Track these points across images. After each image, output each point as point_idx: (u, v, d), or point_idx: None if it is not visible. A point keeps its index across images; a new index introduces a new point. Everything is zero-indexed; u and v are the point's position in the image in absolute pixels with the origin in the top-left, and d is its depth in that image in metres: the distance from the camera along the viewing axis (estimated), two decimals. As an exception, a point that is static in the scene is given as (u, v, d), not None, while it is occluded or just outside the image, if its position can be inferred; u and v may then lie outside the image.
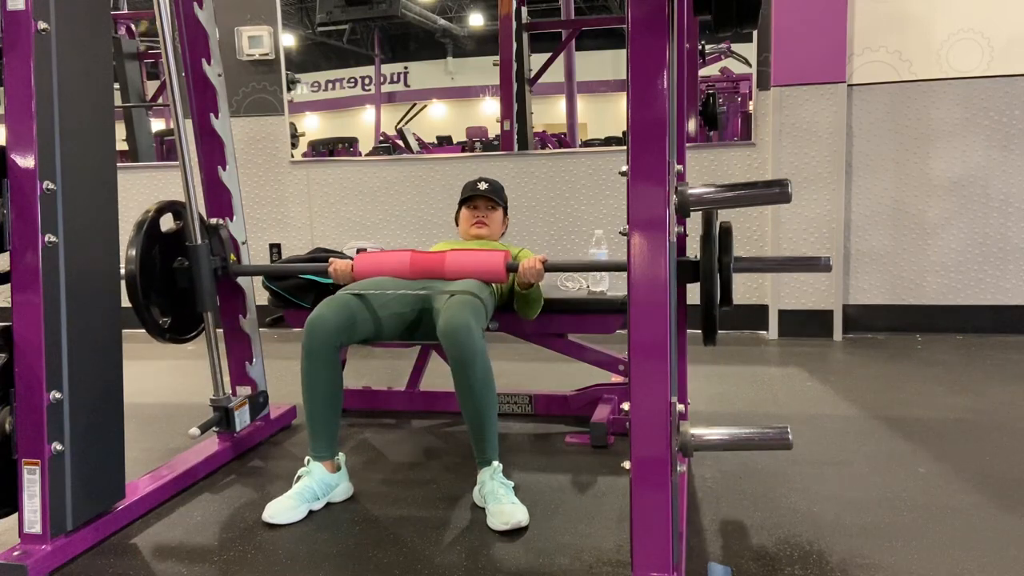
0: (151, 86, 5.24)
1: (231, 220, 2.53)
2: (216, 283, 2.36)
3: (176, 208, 2.30)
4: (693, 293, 1.86)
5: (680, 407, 1.40)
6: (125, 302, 1.96)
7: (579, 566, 1.67)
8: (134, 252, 2.14)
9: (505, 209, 2.66)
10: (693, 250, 1.94)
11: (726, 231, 1.81)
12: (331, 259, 2.36)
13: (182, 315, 2.32)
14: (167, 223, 2.30)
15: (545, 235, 4.20)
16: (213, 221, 2.41)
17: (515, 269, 2.23)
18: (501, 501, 1.90)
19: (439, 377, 2.68)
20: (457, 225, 2.66)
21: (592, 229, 3.31)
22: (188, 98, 2.41)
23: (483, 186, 2.58)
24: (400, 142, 5.20)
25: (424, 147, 5.17)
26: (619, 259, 1.80)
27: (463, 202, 2.61)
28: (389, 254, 2.31)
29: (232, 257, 2.44)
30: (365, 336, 2.17)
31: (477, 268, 2.24)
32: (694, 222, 1.91)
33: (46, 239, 1.69)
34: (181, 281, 2.29)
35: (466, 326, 1.98)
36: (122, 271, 2.02)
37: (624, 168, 1.38)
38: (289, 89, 4.38)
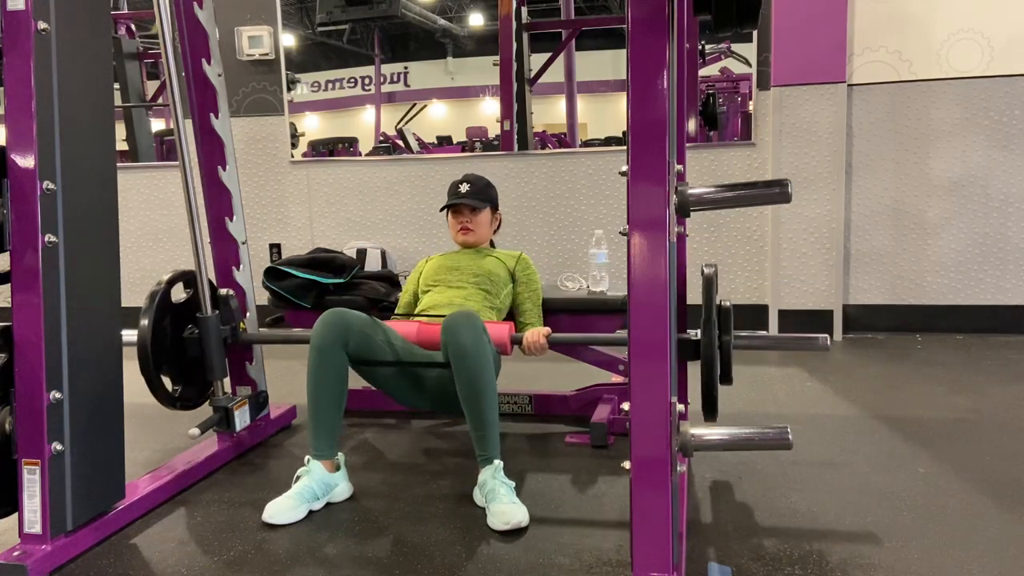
0: (151, 86, 5.23)
1: (231, 220, 2.53)
2: (225, 350, 2.38)
3: (187, 278, 2.32)
4: (694, 293, 1.87)
5: (680, 407, 1.41)
6: (125, 302, 1.96)
7: (579, 566, 1.67)
8: (146, 323, 2.15)
9: (494, 206, 2.63)
10: (693, 253, 1.94)
11: (726, 312, 1.85)
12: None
13: (192, 382, 2.33)
14: (177, 292, 2.31)
15: (545, 235, 4.20)
16: (223, 292, 2.42)
17: (519, 342, 2.29)
18: (502, 501, 1.90)
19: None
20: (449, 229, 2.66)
21: (592, 229, 3.32)
22: (188, 98, 2.41)
23: (464, 188, 2.53)
24: (400, 142, 5.20)
25: (424, 147, 5.16)
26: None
27: (447, 208, 2.59)
28: (397, 324, 2.35)
29: (242, 325, 2.46)
30: (376, 353, 2.18)
31: None
32: (694, 222, 1.91)
33: (46, 239, 1.69)
34: (191, 350, 2.31)
35: (469, 324, 1.99)
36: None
37: (624, 168, 1.38)
38: (289, 89, 4.38)
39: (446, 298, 2.42)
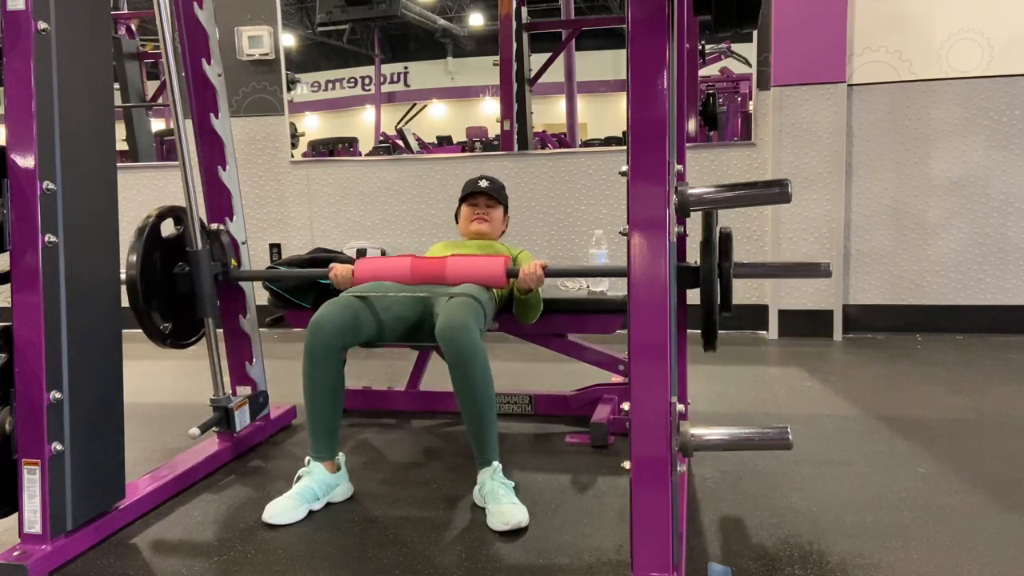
0: (151, 86, 5.23)
1: (231, 220, 2.53)
2: (217, 288, 2.36)
3: (176, 213, 2.30)
4: (693, 294, 1.86)
5: (680, 407, 1.40)
6: (125, 302, 1.96)
7: (579, 566, 1.67)
8: (135, 257, 2.13)
9: (506, 208, 2.67)
10: (693, 252, 1.94)
11: (726, 236, 1.82)
12: (332, 264, 2.36)
13: (183, 320, 2.31)
14: (167, 228, 2.29)
15: (545, 235, 4.20)
16: (214, 226, 2.41)
17: (515, 275, 2.23)
18: (501, 501, 1.90)
19: (439, 377, 2.67)
20: (457, 223, 2.66)
21: (592, 229, 3.32)
22: (188, 98, 2.41)
23: (484, 183, 2.59)
24: (400, 142, 5.20)
25: (424, 147, 5.17)
26: (619, 261, 1.81)
27: (464, 199, 2.62)
28: (390, 259, 2.31)
29: (233, 262, 2.45)
30: (368, 338, 2.17)
31: (477, 273, 2.23)
32: (694, 222, 1.91)
33: (46, 239, 1.69)
34: (182, 286, 2.29)
35: (464, 326, 1.98)
36: (123, 274, 2.02)
37: (624, 168, 1.38)
38: (289, 89, 4.38)
39: (458, 248, 2.46)
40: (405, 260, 2.27)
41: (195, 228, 2.28)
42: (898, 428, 2.52)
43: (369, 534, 1.87)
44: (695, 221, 1.87)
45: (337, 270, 2.31)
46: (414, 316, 2.28)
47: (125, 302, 1.96)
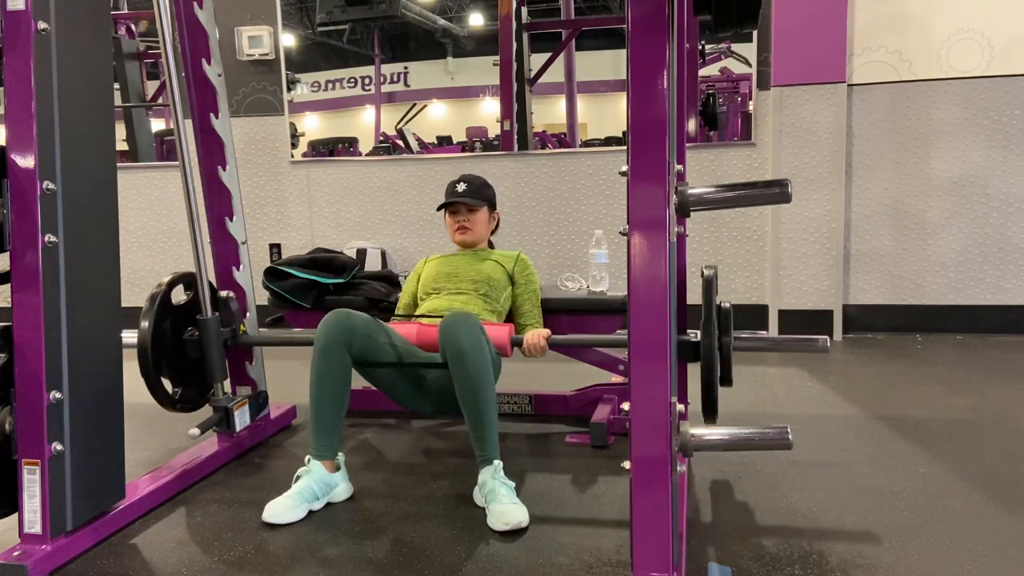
0: (151, 86, 5.23)
1: (231, 220, 2.53)
2: (226, 353, 2.38)
3: (188, 279, 2.32)
4: (694, 293, 1.87)
5: (680, 407, 1.41)
6: (125, 302, 1.96)
7: (579, 566, 1.67)
8: (147, 324, 2.15)
9: (491, 205, 2.62)
10: (693, 253, 1.94)
11: (726, 314, 1.85)
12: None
13: (191, 384, 2.33)
14: (178, 294, 2.31)
15: (545, 235, 4.20)
16: (223, 294, 2.42)
17: (519, 344, 2.29)
18: (501, 501, 1.90)
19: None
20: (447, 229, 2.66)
21: (592, 229, 3.32)
22: (188, 98, 2.41)
23: (461, 187, 2.53)
24: (400, 142, 5.19)
25: (424, 147, 5.16)
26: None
27: (445, 208, 2.58)
28: (396, 325, 2.35)
29: (242, 327, 2.46)
30: (379, 354, 2.19)
31: None
32: (694, 222, 1.91)
33: (46, 239, 1.69)
34: (191, 352, 2.31)
35: (466, 321, 1.99)
36: (132, 337, 2.06)
37: (624, 168, 1.38)
38: (289, 89, 4.38)
39: (445, 303, 2.42)
40: (412, 327, 2.34)
41: (205, 295, 2.30)
42: (898, 428, 2.52)
43: (369, 534, 1.87)
44: (695, 221, 1.87)
45: None
46: (414, 380, 2.32)
47: (125, 301, 1.96)
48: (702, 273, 1.84)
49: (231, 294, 2.44)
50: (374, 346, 2.17)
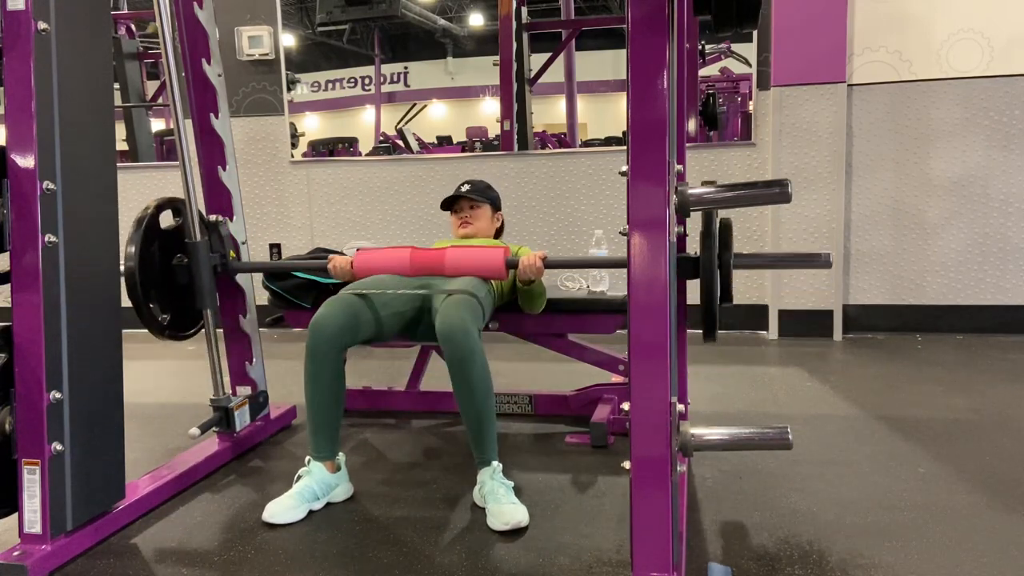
0: (151, 86, 5.23)
1: (231, 220, 2.53)
2: (215, 280, 2.36)
3: (175, 205, 2.30)
4: (693, 293, 1.86)
5: (680, 407, 1.40)
6: (125, 302, 1.96)
7: (579, 566, 1.67)
8: (133, 248, 2.14)
9: (494, 205, 2.63)
10: (693, 251, 1.94)
11: (726, 227, 1.81)
12: (331, 256, 2.36)
13: (181, 312, 2.32)
14: (166, 220, 2.30)
15: (545, 235, 4.20)
16: (212, 218, 2.41)
17: (515, 265, 2.23)
18: (501, 501, 1.90)
19: (439, 377, 2.67)
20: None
21: (592, 229, 3.32)
22: (188, 98, 2.41)
23: (465, 188, 2.57)
24: (400, 142, 5.20)
25: (424, 147, 5.17)
26: (618, 254, 1.81)
27: (448, 208, 2.60)
28: (389, 251, 2.30)
29: (232, 254, 2.44)
30: (368, 336, 2.17)
31: (477, 264, 2.24)
32: (694, 222, 1.91)
33: (46, 239, 1.69)
34: (180, 278, 2.29)
35: (462, 325, 1.98)
36: (122, 268, 2.02)
37: (624, 168, 1.38)
38: (289, 89, 4.38)
39: (461, 243, 2.44)
40: (404, 251, 2.27)
41: (194, 219, 2.28)
42: (898, 428, 2.52)
43: (369, 534, 1.87)
44: (695, 220, 1.87)
45: (336, 261, 2.32)
46: (412, 312, 2.29)
47: (125, 301, 1.96)
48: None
49: (221, 218, 2.41)
50: (362, 329, 2.13)
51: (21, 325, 1.69)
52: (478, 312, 2.08)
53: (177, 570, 1.72)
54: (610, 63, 5.49)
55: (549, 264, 2.24)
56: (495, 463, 1.99)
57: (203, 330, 2.36)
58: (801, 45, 3.73)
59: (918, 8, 3.69)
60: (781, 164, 3.84)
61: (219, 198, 2.52)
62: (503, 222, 2.69)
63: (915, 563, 1.65)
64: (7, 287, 1.70)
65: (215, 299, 2.36)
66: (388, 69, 6.17)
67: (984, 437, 2.42)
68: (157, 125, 5.27)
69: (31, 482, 1.70)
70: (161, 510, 2.04)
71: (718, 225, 1.78)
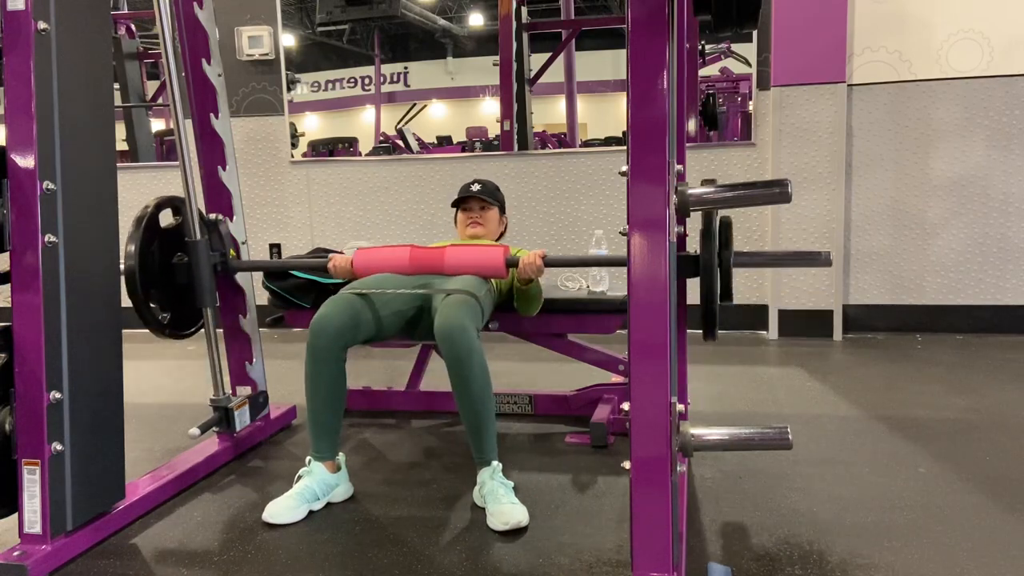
0: (151, 86, 5.23)
1: (231, 220, 2.53)
2: (215, 279, 2.36)
3: (175, 203, 2.30)
4: (693, 292, 1.86)
5: (680, 407, 1.40)
6: (125, 302, 1.96)
7: (579, 566, 1.68)
8: (133, 247, 2.14)
9: (502, 209, 2.65)
10: (693, 250, 1.93)
11: (726, 225, 1.81)
12: (331, 255, 2.36)
13: (181, 311, 2.32)
14: (166, 219, 2.30)
15: (545, 235, 4.20)
16: (212, 216, 2.41)
17: (515, 264, 2.23)
18: (501, 501, 1.90)
19: (439, 377, 2.67)
20: (456, 227, 2.67)
21: (592, 229, 3.32)
22: (188, 98, 2.41)
23: (476, 187, 2.58)
24: (400, 142, 5.19)
25: (424, 147, 5.16)
26: (618, 254, 1.81)
27: (457, 205, 2.61)
28: (389, 249, 2.31)
29: (232, 253, 2.44)
30: (368, 336, 2.17)
31: (476, 263, 2.24)
32: (694, 221, 1.91)
33: (46, 239, 1.69)
34: (180, 276, 2.29)
35: (461, 326, 1.98)
36: (122, 267, 2.02)
37: (624, 168, 1.38)
38: (289, 89, 4.38)
39: (462, 243, 2.44)
40: (404, 250, 2.28)
41: (193, 218, 2.28)
42: (898, 428, 2.52)
43: (369, 534, 1.87)
44: (695, 220, 1.87)
45: (336, 260, 2.32)
46: (412, 311, 2.29)
47: (125, 301, 1.96)
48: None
49: (221, 217, 2.41)
50: (362, 329, 2.13)
51: (21, 325, 1.69)
52: (477, 312, 2.08)
53: (177, 570, 1.72)
54: (610, 63, 5.48)
55: (549, 263, 2.25)
56: (495, 463, 1.99)
57: (203, 330, 2.36)
58: (801, 45, 3.73)
59: (918, 8, 3.69)
60: (781, 164, 3.84)
61: (219, 198, 2.52)
62: (507, 226, 2.70)
63: (915, 563, 1.65)
64: (7, 287, 1.70)
65: (215, 298, 2.36)
66: (388, 69, 6.16)
67: (984, 437, 2.42)
68: (157, 125, 5.27)
69: (31, 482, 1.70)
70: (161, 510, 2.04)
71: (718, 223, 1.78)
